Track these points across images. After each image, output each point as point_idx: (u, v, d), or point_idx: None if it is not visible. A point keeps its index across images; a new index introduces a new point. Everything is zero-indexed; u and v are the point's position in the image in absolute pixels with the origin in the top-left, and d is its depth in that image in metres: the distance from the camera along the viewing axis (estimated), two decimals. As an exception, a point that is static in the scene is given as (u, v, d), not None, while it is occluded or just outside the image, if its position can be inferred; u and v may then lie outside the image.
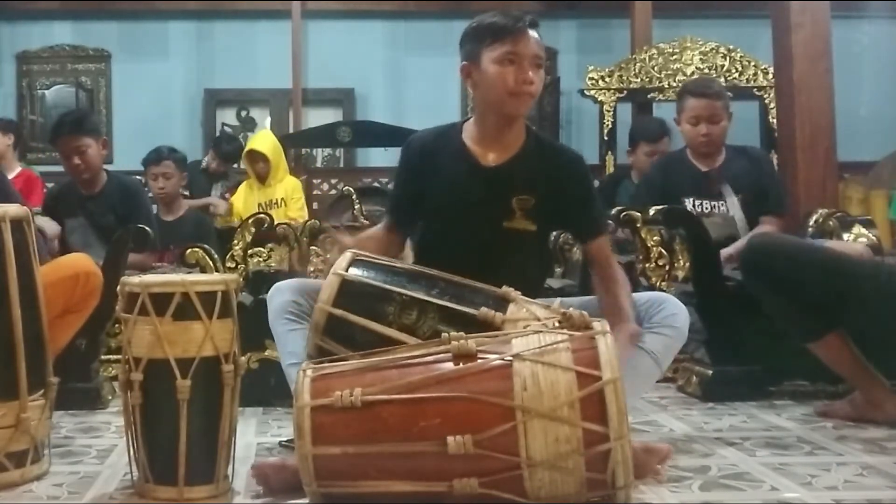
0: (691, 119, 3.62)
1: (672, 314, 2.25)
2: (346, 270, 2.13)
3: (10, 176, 5.43)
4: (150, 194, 4.66)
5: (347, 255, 2.18)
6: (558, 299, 2.13)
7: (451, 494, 1.80)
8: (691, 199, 3.59)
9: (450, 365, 1.87)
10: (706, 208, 3.58)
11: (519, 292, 2.12)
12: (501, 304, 2.08)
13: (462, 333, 1.93)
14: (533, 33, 2.26)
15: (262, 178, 5.44)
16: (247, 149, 5.65)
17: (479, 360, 1.87)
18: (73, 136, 3.69)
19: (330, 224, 3.60)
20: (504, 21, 2.26)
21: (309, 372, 1.92)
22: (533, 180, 2.33)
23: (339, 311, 2.08)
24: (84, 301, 2.78)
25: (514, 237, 2.31)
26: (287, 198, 5.41)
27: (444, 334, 1.96)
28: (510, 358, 1.85)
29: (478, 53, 2.29)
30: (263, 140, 5.60)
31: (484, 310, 2.04)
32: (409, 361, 1.90)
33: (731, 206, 3.59)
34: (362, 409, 1.83)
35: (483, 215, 2.32)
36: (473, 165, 2.35)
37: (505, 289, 2.12)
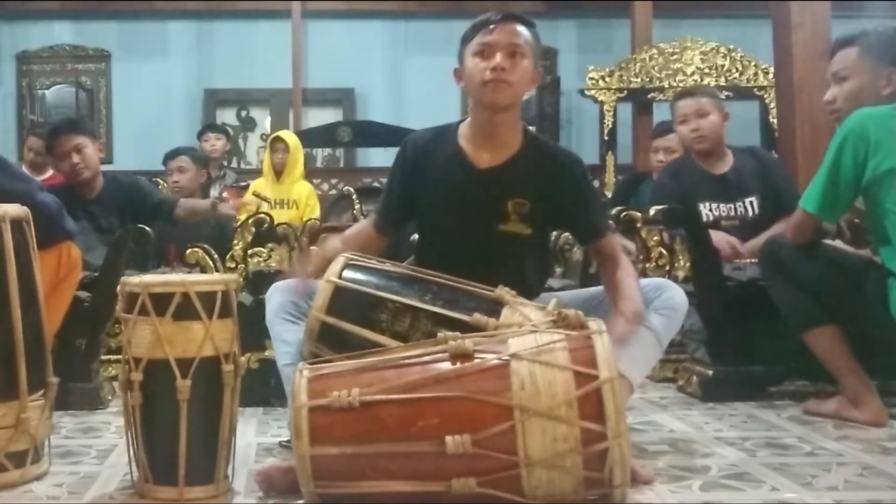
0: (680, 119, 3.65)
1: (671, 297, 2.28)
2: (339, 276, 2.13)
3: (44, 177, 5.47)
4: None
5: (340, 260, 2.17)
6: (554, 299, 2.12)
7: (450, 494, 1.80)
8: (708, 203, 3.54)
9: (447, 365, 1.87)
10: (723, 212, 3.55)
11: (514, 293, 2.12)
12: (494, 308, 2.07)
13: (458, 333, 1.93)
14: (510, 24, 2.27)
15: (278, 171, 5.56)
16: (271, 137, 5.90)
17: (476, 360, 1.87)
18: (70, 134, 3.72)
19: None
20: (481, 19, 2.30)
21: (306, 372, 1.92)
22: (528, 183, 2.32)
23: (332, 320, 2.08)
24: (70, 273, 2.84)
25: (509, 240, 2.30)
26: (302, 203, 5.51)
27: (441, 334, 1.96)
28: (507, 357, 1.85)
29: (462, 53, 2.33)
30: (288, 133, 5.94)
31: (476, 315, 2.03)
32: (406, 361, 1.90)
33: (748, 207, 3.58)
34: (360, 410, 1.83)
35: (477, 218, 2.31)
36: (467, 167, 2.34)
37: (498, 291, 2.11)
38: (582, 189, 2.38)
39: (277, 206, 5.30)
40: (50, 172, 5.52)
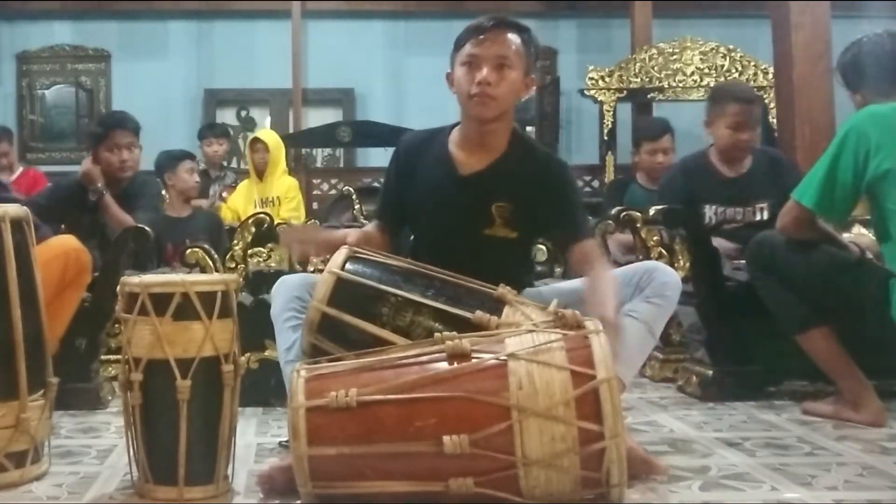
0: (733, 124, 3.53)
1: (663, 283, 2.26)
2: (342, 268, 2.12)
3: (14, 176, 5.48)
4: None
5: (343, 252, 2.17)
6: (555, 300, 2.12)
7: (447, 494, 1.80)
8: (714, 207, 3.53)
9: (445, 365, 1.88)
10: (730, 215, 3.54)
11: (515, 292, 2.12)
12: (496, 306, 2.07)
13: (456, 333, 1.93)
14: (501, 33, 2.26)
15: (260, 172, 5.57)
16: (251, 137, 5.95)
17: (473, 360, 1.87)
18: (131, 131, 3.81)
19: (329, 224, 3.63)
20: (472, 25, 2.28)
21: (303, 372, 1.92)
22: (511, 187, 2.31)
23: (333, 311, 2.07)
24: (78, 277, 2.85)
25: (494, 244, 2.31)
26: (282, 197, 5.49)
27: (438, 334, 1.96)
28: (505, 357, 1.85)
29: (454, 59, 2.33)
30: (267, 133, 5.93)
31: (479, 313, 2.03)
32: (404, 361, 1.91)
33: (762, 211, 3.55)
34: (358, 410, 1.83)
35: (462, 222, 2.32)
36: (451, 172, 2.35)
37: (500, 290, 2.11)
38: (564, 192, 2.37)
39: (262, 206, 5.33)
40: (20, 169, 5.53)
